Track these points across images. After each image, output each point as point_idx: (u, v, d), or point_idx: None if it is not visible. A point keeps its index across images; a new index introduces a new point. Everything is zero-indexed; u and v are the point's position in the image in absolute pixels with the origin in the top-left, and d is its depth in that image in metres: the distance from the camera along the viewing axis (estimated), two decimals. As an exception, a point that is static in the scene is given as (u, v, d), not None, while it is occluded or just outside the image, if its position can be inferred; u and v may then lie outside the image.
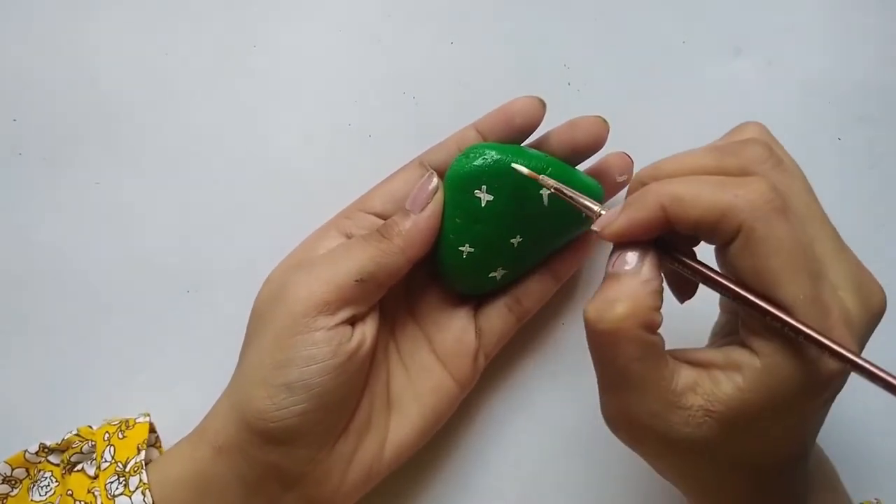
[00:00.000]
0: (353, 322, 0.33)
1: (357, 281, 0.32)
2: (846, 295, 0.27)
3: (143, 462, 0.34)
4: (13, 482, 0.36)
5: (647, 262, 0.28)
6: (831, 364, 0.26)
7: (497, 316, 0.37)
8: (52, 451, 0.36)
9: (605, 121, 0.35)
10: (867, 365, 0.25)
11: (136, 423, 0.37)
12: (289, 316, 0.32)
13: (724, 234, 0.26)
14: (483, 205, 0.34)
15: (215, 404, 0.34)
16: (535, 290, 0.37)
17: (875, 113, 0.41)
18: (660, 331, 0.27)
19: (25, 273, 0.40)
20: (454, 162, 0.34)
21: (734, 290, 0.27)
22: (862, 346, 0.28)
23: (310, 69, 0.41)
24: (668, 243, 0.28)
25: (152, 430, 0.38)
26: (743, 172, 0.27)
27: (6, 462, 0.36)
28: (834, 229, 0.28)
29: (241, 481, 0.33)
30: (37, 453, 0.36)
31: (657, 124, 0.41)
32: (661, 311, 0.27)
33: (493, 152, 0.33)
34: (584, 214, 0.31)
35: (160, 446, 0.38)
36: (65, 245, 0.40)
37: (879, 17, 0.41)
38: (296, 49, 0.41)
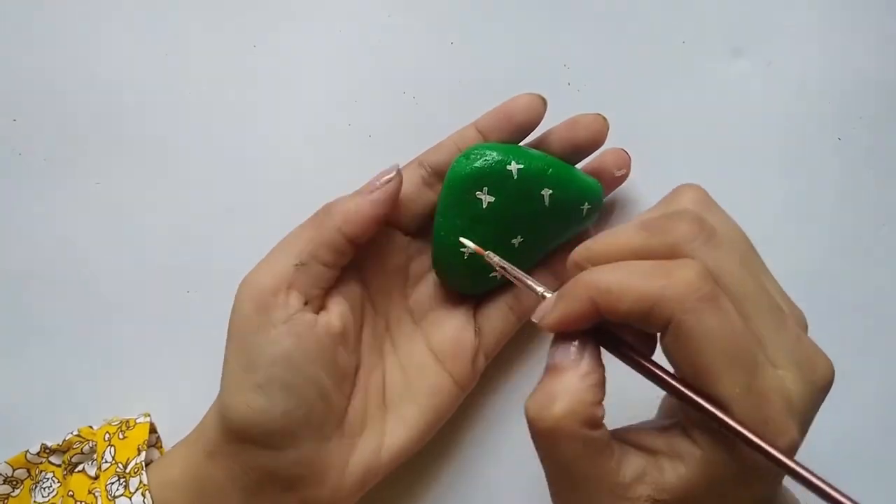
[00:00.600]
0: (316, 309, 0.33)
1: (297, 265, 0.32)
2: (787, 373, 0.26)
3: (144, 463, 0.34)
4: (14, 483, 0.36)
5: (586, 352, 0.27)
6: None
7: (498, 315, 0.37)
8: (53, 451, 0.36)
9: (604, 118, 0.35)
10: (800, 469, 0.25)
11: (136, 423, 0.37)
12: (243, 317, 0.32)
13: (656, 325, 0.25)
14: (484, 206, 0.34)
15: (210, 407, 0.34)
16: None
17: (875, 113, 0.41)
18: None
19: (26, 273, 0.40)
20: (454, 163, 0.34)
21: (670, 385, 0.26)
22: (807, 423, 0.27)
23: (310, 69, 0.41)
24: (609, 328, 0.28)
25: (153, 430, 0.38)
26: (673, 253, 0.26)
27: (7, 463, 0.36)
28: (772, 300, 0.27)
29: (237, 485, 0.32)
30: (38, 454, 0.36)
31: (657, 124, 0.41)
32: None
33: (494, 153, 0.33)
34: (579, 224, 0.33)
35: (161, 446, 0.38)
36: (65, 245, 0.41)
37: (879, 18, 0.41)
38: (296, 49, 0.41)
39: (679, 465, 0.26)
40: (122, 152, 0.41)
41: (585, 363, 0.27)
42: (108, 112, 0.41)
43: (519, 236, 0.35)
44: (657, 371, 0.27)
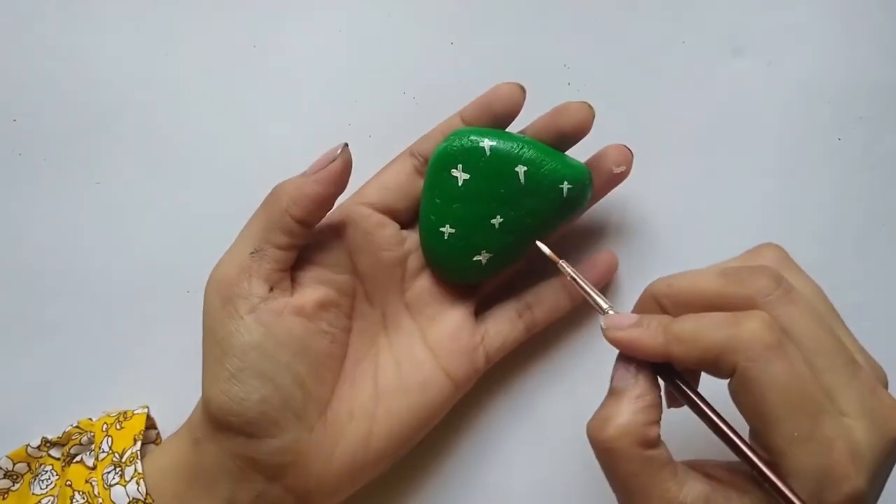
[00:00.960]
0: (285, 293, 0.33)
1: (252, 253, 0.33)
2: (857, 423, 0.26)
3: (139, 452, 0.34)
4: (14, 477, 0.36)
5: (641, 375, 0.29)
6: None
7: (505, 319, 0.37)
8: (53, 444, 0.37)
9: (589, 106, 0.35)
10: None
11: (133, 414, 0.37)
12: (212, 311, 0.33)
13: (722, 372, 0.27)
14: (460, 184, 0.34)
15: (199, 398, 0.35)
16: (547, 299, 0.38)
17: (875, 113, 0.41)
18: None
19: (25, 272, 0.40)
20: (437, 145, 0.35)
21: (719, 430, 0.28)
22: (879, 476, 0.27)
23: (310, 69, 0.41)
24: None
25: (153, 426, 0.38)
26: (747, 304, 0.28)
27: (8, 457, 0.36)
28: (847, 354, 0.28)
29: (223, 471, 0.33)
30: (39, 447, 0.36)
31: (657, 124, 0.41)
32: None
33: (471, 134, 0.34)
34: (562, 206, 0.34)
35: (160, 442, 0.38)
36: (65, 245, 0.41)
37: (879, 17, 0.41)
38: (296, 49, 0.41)
39: (745, 497, 0.27)
40: (122, 152, 0.41)
41: (640, 385, 0.29)
42: (108, 112, 0.41)
43: (498, 216, 0.35)
44: (709, 415, 0.28)
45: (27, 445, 0.36)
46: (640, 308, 0.31)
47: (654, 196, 0.40)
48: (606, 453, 0.28)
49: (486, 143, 0.34)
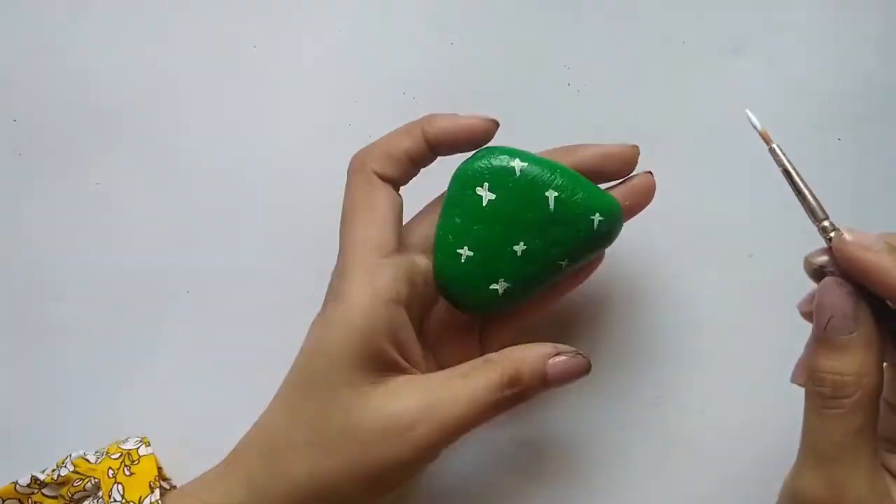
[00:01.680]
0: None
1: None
2: None
3: (160, 502, 0.33)
4: None
5: (864, 319, 0.26)
6: None
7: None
8: (45, 484, 0.35)
9: (637, 150, 0.35)
10: None
11: (139, 455, 0.36)
12: None
13: None
14: (484, 203, 0.33)
15: (251, 463, 0.33)
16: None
17: (875, 113, 0.41)
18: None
19: (24, 273, 0.40)
20: (462, 161, 0.34)
21: None
22: None
23: (310, 70, 0.41)
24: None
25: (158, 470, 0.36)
26: None
27: None
28: None
29: None
30: (28, 485, 0.35)
31: (657, 124, 0.41)
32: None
33: (501, 153, 0.33)
34: (591, 239, 0.32)
35: (167, 478, 0.37)
36: (64, 245, 0.40)
37: (879, 17, 0.41)
38: (295, 50, 0.41)
39: None
40: (122, 153, 0.41)
41: (865, 332, 0.26)
42: (107, 112, 0.41)
43: (521, 243, 0.33)
44: None
45: (15, 483, 0.35)
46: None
47: (654, 197, 0.40)
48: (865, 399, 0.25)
49: (518, 163, 0.33)
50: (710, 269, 0.40)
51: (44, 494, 0.35)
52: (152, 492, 0.33)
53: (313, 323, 0.33)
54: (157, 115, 0.41)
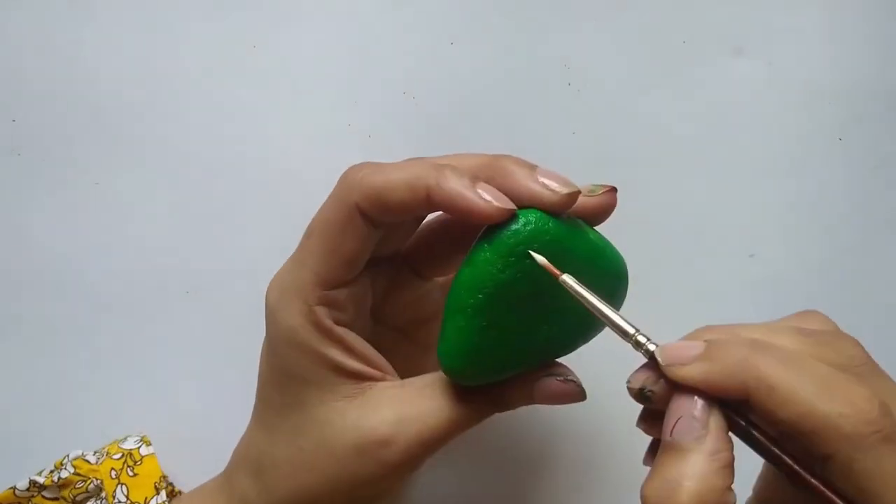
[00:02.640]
0: None
1: None
2: None
3: (166, 503, 0.33)
4: None
5: (713, 426, 0.24)
6: None
7: None
8: (44, 487, 0.35)
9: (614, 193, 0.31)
10: None
11: (141, 456, 0.36)
12: None
13: (810, 450, 0.23)
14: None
15: (240, 478, 0.33)
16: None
17: (876, 113, 0.41)
18: None
19: (24, 273, 0.40)
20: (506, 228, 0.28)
21: (816, 488, 0.23)
22: None
23: (309, 70, 0.41)
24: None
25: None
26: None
27: None
28: None
29: None
30: (27, 489, 0.35)
31: (657, 125, 0.41)
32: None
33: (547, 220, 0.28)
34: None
35: (170, 485, 0.37)
36: (64, 245, 0.40)
37: (879, 18, 0.41)
38: (295, 50, 0.41)
39: None
40: (122, 152, 0.41)
41: (712, 440, 0.24)
42: (107, 112, 0.41)
43: (545, 326, 0.29)
44: (801, 472, 0.23)
45: (14, 488, 0.35)
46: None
47: (654, 196, 0.40)
48: None
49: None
50: (710, 269, 0.40)
51: (44, 497, 0.35)
52: (158, 493, 0.33)
53: (264, 342, 0.32)
54: (157, 115, 0.41)
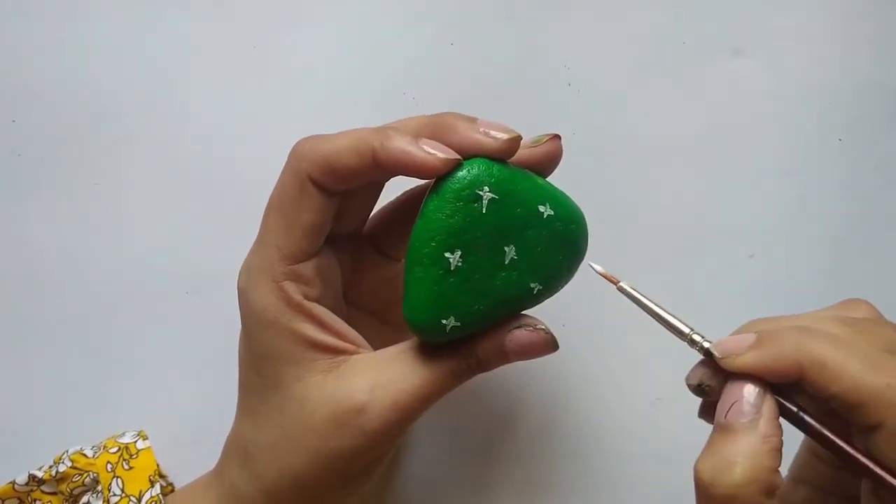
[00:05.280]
0: None
1: None
2: None
3: (161, 496, 0.33)
4: None
5: (765, 412, 0.25)
6: None
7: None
8: (43, 481, 0.35)
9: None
10: None
11: (137, 449, 0.36)
12: None
13: (860, 421, 0.24)
14: (485, 211, 0.29)
15: (230, 470, 0.33)
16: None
17: (876, 113, 0.41)
18: None
19: (24, 274, 0.40)
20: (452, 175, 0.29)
21: (868, 469, 0.24)
22: None
23: (309, 70, 0.41)
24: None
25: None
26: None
27: None
28: None
29: None
30: (26, 484, 0.35)
31: (657, 125, 0.41)
32: None
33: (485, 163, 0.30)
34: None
35: (165, 477, 0.38)
36: (63, 246, 0.40)
37: (879, 18, 0.41)
38: (295, 50, 0.41)
39: None
40: (121, 153, 0.41)
41: (765, 423, 0.25)
42: (107, 112, 0.41)
43: (512, 249, 0.30)
44: (852, 451, 0.25)
45: (13, 482, 0.35)
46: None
47: (654, 196, 0.40)
48: (725, 501, 0.24)
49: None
50: (710, 270, 0.40)
51: (42, 491, 0.35)
52: (153, 486, 0.34)
53: (241, 329, 0.32)
54: (157, 116, 0.41)
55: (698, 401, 0.29)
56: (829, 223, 0.40)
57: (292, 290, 0.30)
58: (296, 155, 0.31)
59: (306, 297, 0.31)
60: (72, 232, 0.41)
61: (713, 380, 0.27)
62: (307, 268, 0.31)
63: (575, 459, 0.39)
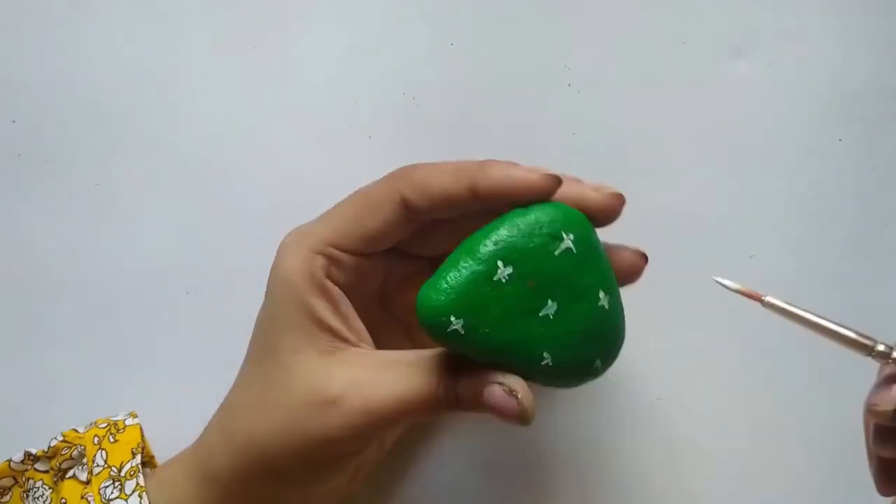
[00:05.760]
0: None
1: None
2: None
3: (140, 466, 0.34)
4: (2, 491, 0.36)
5: None
6: None
7: None
8: (38, 458, 0.36)
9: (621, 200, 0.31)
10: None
11: (125, 425, 0.36)
12: None
13: None
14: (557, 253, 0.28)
15: (212, 425, 0.34)
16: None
17: (876, 114, 0.41)
18: None
19: (24, 274, 0.40)
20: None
21: None
22: None
23: (309, 70, 0.41)
24: None
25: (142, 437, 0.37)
26: None
27: None
28: None
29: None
30: (22, 461, 0.36)
31: (657, 125, 0.41)
32: None
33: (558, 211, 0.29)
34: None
35: (148, 455, 0.38)
36: (64, 246, 0.40)
37: (880, 18, 0.41)
38: (295, 50, 0.41)
39: None
40: (122, 153, 0.41)
41: None
42: (107, 113, 0.41)
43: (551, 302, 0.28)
44: None
45: (9, 461, 0.35)
46: None
47: (654, 196, 0.40)
48: None
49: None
50: (710, 270, 0.40)
51: (36, 469, 0.36)
52: (134, 457, 0.34)
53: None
54: (157, 116, 0.41)
55: (699, 401, 0.28)
56: (829, 223, 0.40)
57: (319, 265, 0.31)
58: (398, 172, 0.31)
59: (332, 280, 0.31)
60: (72, 232, 0.41)
61: None
62: (347, 257, 0.32)
63: (574, 459, 0.39)
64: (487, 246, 0.28)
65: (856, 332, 0.24)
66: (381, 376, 0.29)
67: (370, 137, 0.41)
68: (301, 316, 0.31)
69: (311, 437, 0.30)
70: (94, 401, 0.40)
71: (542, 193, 0.29)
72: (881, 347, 0.23)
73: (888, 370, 0.23)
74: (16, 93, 0.41)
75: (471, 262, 0.27)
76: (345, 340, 0.31)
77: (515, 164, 0.29)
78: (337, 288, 0.31)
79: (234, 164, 0.41)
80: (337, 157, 0.41)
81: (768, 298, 0.26)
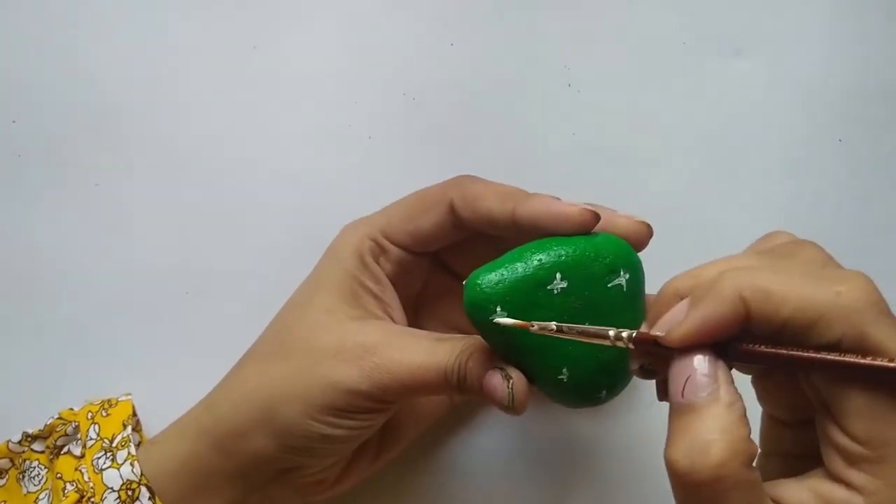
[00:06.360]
0: None
1: None
2: None
3: (130, 436, 0.34)
4: None
5: (721, 378, 0.23)
6: None
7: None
8: (35, 438, 0.36)
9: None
10: None
11: (118, 401, 0.37)
12: None
13: (820, 339, 0.22)
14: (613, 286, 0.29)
15: (210, 398, 0.35)
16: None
17: (875, 114, 0.41)
18: None
19: (24, 274, 0.40)
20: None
21: (838, 364, 0.22)
22: None
23: (310, 71, 0.41)
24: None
25: (133, 412, 0.38)
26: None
27: None
28: None
29: (228, 467, 0.33)
30: (20, 442, 0.36)
31: (657, 125, 0.41)
32: None
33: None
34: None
35: (141, 430, 0.38)
36: (64, 247, 0.40)
37: (879, 18, 0.41)
38: (296, 50, 0.41)
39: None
40: (122, 153, 0.41)
41: (725, 391, 0.23)
42: (107, 113, 0.41)
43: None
44: (815, 355, 0.22)
45: (8, 441, 0.36)
46: (661, 307, 0.25)
47: (654, 197, 0.40)
48: (711, 485, 0.22)
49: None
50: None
51: (33, 450, 0.36)
52: (125, 428, 0.34)
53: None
54: (158, 116, 0.41)
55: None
56: (828, 223, 0.40)
57: (369, 249, 0.34)
58: (453, 180, 0.33)
59: (379, 266, 0.34)
60: (72, 232, 0.41)
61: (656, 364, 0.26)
62: (396, 250, 0.34)
63: (573, 459, 0.39)
64: (552, 256, 0.29)
65: (595, 327, 0.26)
66: (408, 342, 0.31)
67: (370, 137, 0.41)
68: (343, 281, 0.33)
69: (330, 386, 0.30)
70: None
71: (581, 227, 0.29)
72: (614, 332, 0.25)
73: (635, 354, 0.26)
74: (16, 93, 0.41)
75: (532, 264, 0.29)
76: (378, 318, 0.33)
77: (558, 199, 0.30)
78: (383, 274, 0.34)
79: (233, 164, 0.41)
80: (337, 158, 0.41)
81: (535, 326, 0.27)
